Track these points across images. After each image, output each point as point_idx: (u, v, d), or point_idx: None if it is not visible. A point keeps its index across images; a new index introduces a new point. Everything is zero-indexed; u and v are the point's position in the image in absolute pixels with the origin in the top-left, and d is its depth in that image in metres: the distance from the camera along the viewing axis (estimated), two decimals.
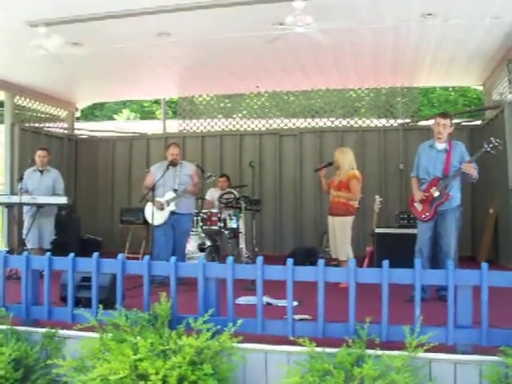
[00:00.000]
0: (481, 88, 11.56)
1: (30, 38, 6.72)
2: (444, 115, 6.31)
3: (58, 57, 7.03)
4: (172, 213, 7.48)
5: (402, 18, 7.09)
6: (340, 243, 7.55)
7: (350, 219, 7.56)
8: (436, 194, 6.10)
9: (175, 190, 7.49)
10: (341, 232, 7.55)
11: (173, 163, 7.55)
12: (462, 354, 3.82)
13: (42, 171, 8.36)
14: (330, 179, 7.93)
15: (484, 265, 3.85)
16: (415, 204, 6.28)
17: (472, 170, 5.97)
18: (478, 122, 11.24)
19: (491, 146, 6.07)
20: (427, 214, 6.14)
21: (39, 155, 8.38)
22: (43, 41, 6.71)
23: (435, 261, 6.16)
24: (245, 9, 6.47)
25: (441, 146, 6.20)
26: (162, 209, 7.44)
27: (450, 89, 22.59)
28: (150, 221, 7.57)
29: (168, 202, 7.45)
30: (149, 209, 7.61)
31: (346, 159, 7.67)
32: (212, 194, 9.97)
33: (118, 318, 4.05)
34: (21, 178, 8.17)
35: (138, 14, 6.64)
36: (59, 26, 6.73)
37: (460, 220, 6.32)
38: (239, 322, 4.00)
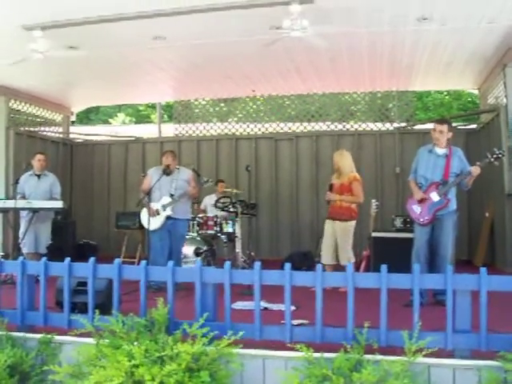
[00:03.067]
0: (476, 92, 11.57)
1: (25, 42, 6.70)
2: (440, 121, 6.29)
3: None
4: (168, 218, 7.45)
5: (398, 22, 7.09)
6: (342, 248, 7.45)
7: (353, 224, 7.50)
8: (436, 198, 6.07)
9: (171, 195, 7.45)
10: (343, 237, 7.46)
11: (166, 171, 7.50)
12: (461, 358, 3.80)
13: (39, 176, 8.31)
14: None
15: (483, 269, 3.83)
16: (413, 207, 6.24)
17: (477, 174, 5.97)
18: (474, 126, 11.27)
19: (495, 156, 6.03)
20: (426, 217, 6.12)
21: (39, 159, 8.32)
22: (38, 44, 6.71)
23: (432, 264, 6.13)
24: (241, 12, 6.46)
25: (441, 151, 6.17)
26: (157, 214, 7.40)
27: (445, 93, 22.62)
28: (146, 226, 7.54)
29: (164, 207, 7.42)
30: (145, 214, 7.58)
31: (346, 162, 7.61)
32: (205, 202, 9.94)
33: (114, 324, 4.01)
34: (16, 182, 8.13)
35: (134, 17, 6.62)
36: (55, 29, 6.72)
37: (457, 224, 6.31)
38: (241, 333, 3.96)
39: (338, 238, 7.52)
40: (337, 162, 7.67)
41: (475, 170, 5.95)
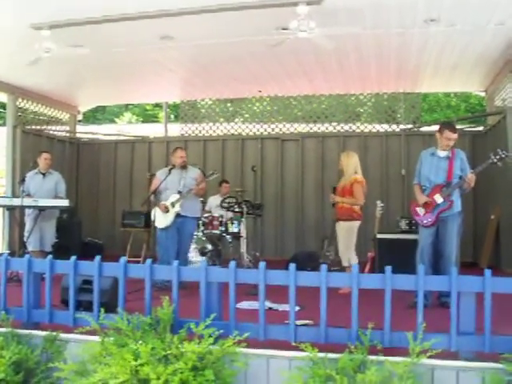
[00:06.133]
0: (483, 94, 11.55)
1: (33, 41, 6.73)
2: (454, 129, 6.23)
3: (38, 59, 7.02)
4: (177, 215, 7.47)
5: (406, 24, 7.09)
6: (342, 248, 7.50)
7: (354, 224, 7.49)
8: (440, 200, 6.07)
9: (179, 192, 7.47)
10: (344, 237, 7.50)
11: (183, 166, 7.59)
12: (465, 360, 3.80)
13: (44, 174, 8.35)
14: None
15: (487, 271, 3.83)
16: (417, 209, 6.26)
17: (473, 182, 5.97)
18: (481, 128, 11.25)
19: (498, 157, 5.99)
20: (429, 219, 6.12)
21: (45, 158, 8.38)
22: (46, 43, 6.74)
23: (436, 266, 6.14)
24: (248, 13, 6.47)
25: (443, 153, 6.17)
26: (167, 211, 7.43)
27: (452, 94, 22.58)
28: (157, 225, 7.57)
29: (173, 204, 7.44)
30: (154, 213, 7.60)
31: (351, 163, 7.59)
32: (210, 202, 9.93)
33: (119, 322, 4.03)
34: (22, 180, 8.17)
35: (142, 17, 6.64)
36: (62, 28, 6.75)
37: (461, 226, 6.30)
38: (245, 334, 3.97)
39: (339, 238, 7.56)
40: (342, 162, 7.70)
41: (470, 179, 5.95)
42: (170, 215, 7.45)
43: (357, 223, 7.51)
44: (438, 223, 6.14)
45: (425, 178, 6.28)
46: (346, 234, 7.49)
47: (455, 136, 6.13)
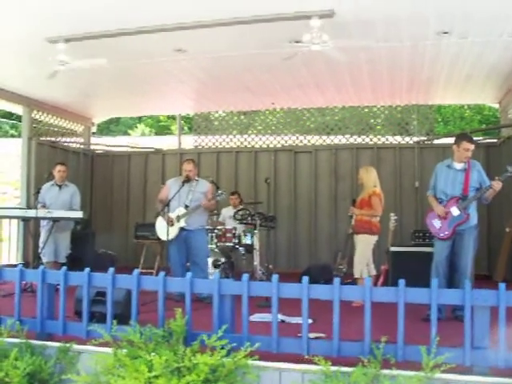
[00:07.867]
0: (497, 106, 11.51)
1: (49, 54, 6.81)
2: (471, 140, 6.21)
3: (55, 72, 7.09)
4: (182, 229, 7.47)
5: (417, 36, 7.09)
6: (356, 260, 7.51)
7: (371, 238, 7.52)
8: (456, 213, 6.04)
9: (186, 206, 7.47)
10: (359, 249, 7.53)
11: (188, 179, 7.53)
12: (479, 375, 3.77)
13: (60, 186, 8.39)
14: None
15: (502, 285, 3.80)
16: (433, 221, 6.22)
17: (498, 188, 5.91)
18: (495, 140, 11.20)
19: None
20: (446, 232, 6.09)
21: (59, 170, 8.42)
22: (62, 56, 6.81)
23: (451, 280, 6.10)
24: (262, 26, 6.51)
25: (459, 165, 6.15)
26: (172, 225, 7.42)
27: (466, 106, 22.52)
28: (159, 236, 7.61)
29: (178, 218, 7.44)
30: (159, 224, 7.62)
31: (370, 178, 7.67)
32: (223, 214, 9.94)
33: (132, 335, 4.04)
34: (37, 192, 8.22)
35: (156, 30, 6.70)
36: (78, 42, 6.82)
37: (477, 239, 6.26)
38: (257, 344, 3.97)
39: (356, 250, 7.57)
40: (361, 177, 7.78)
41: (496, 185, 5.89)
42: (174, 229, 7.43)
43: (375, 237, 7.55)
44: (454, 236, 6.11)
45: (440, 191, 6.25)
46: (362, 247, 7.49)
47: (473, 147, 6.11)
